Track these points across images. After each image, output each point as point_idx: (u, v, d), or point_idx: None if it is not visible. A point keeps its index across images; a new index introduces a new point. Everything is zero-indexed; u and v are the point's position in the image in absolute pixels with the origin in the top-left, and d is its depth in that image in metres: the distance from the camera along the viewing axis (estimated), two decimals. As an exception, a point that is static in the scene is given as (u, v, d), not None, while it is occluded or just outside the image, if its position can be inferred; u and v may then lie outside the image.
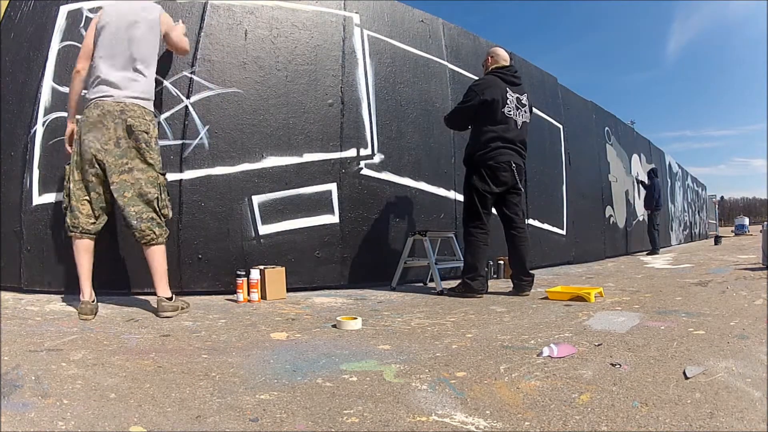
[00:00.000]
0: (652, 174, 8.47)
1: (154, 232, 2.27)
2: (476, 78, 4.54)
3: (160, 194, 2.31)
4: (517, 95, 3.15)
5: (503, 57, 3.29)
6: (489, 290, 3.19)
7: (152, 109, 2.37)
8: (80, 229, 2.21)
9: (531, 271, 3.13)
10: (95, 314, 2.16)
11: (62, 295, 2.65)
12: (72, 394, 1.17)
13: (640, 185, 8.70)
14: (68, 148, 2.38)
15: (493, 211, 3.22)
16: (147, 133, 2.27)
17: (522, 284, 3.09)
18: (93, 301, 2.19)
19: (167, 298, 2.26)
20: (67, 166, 2.28)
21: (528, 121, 3.22)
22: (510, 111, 3.09)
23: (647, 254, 7.74)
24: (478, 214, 3.08)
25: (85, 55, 2.31)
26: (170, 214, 2.38)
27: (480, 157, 3.07)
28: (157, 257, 2.30)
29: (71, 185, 2.23)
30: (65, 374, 1.31)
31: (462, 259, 3.52)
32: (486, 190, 3.07)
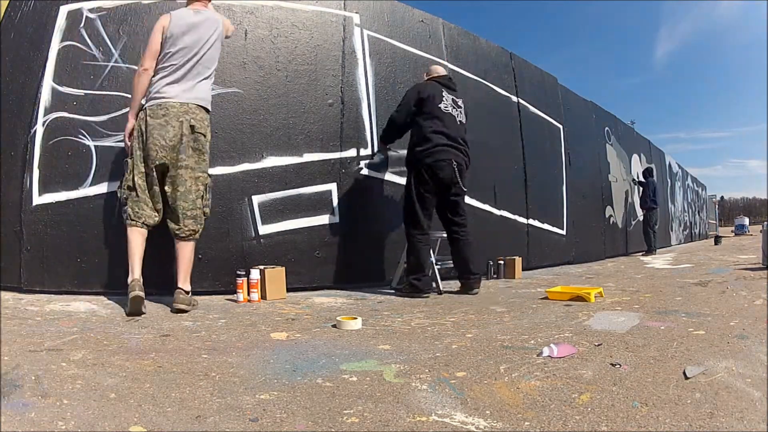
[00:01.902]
0: (647, 173, 8.44)
1: (194, 230, 2.44)
2: (476, 78, 4.57)
3: (205, 193, 2.48)
4: (453, 96, 3.25)
5: (437, 71, 3.40)
6: (445, 290, 3.27)
7: (210, 114, 2.53)
8: (143, 220, 2.36)
9: (475, 271, 3.23)
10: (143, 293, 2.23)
11: (62, 295, 2.65)
12: (72, 394, 1.17)
13: (638, 186, 8.65)
14: (127, 141, 2.48)
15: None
16: (204, 135, 2.46)
17: (470, 282, 3.18)
18: (140, 280, 2.28)
19: (186, 292, 2.37)
20: (129, 159, 2.41)
21: (465, 121, 3.28)
22: (447, 107, 3.16)
23: (643, 255, 7.73)
24: (416, 217, 3.09)
25: (152, 55, 2.40)
26: (209, 214, 2.54)
27: (419, 155, 3.06)
28: (188, 251, 2.46)
29: (136, 178, 2.36)
30: (65, 374, 1.31)
31: None
32: (427, 191, 3.08)
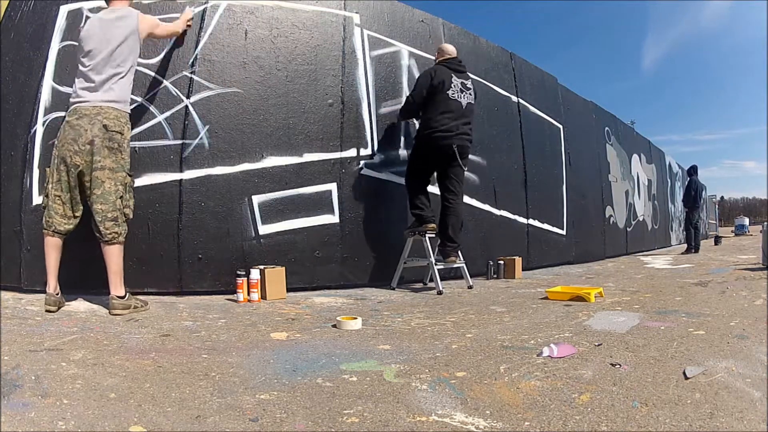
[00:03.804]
0: (691, 171, 8.74)
1: (116, 231, 2.35)
2: (476, 78, 4.57)
3: (125, 193, 2.40)
4: (461, 80, 3.48)
5: (448, 51, 3.61)
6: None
7: (127, 112, 2.45)
8: (53, 228, 2.33)
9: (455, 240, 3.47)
10: (59, 306, 2.30)
11: (65, 295, 2.64)
12: (72, 394, 1.17)
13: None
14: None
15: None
16: (121, 134, 2.37)
17: (447, 249, 3.40)
18: (57, 294, 2.31)
19: (119, 297, 2.34)
20: (47, 169, 2.39)
21: (473, 101, 3.55)
22: (454, 94, 3.41)
23: (683, 253, 8.01)
24: (416, 174, 3.50)
25: None
26: (131, 215, 2.45)
27: (426, 137, 3.39)
28: (114, 256, 2.38)
29: (50, 186, 2.35)
30: (65, 374, 1.31)
31: (462, 259, 3.54)
32: (426, 163, 3.46)
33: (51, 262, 2.33)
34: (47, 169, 2.40)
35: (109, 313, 2.28)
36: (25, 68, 2.94)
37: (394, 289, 3.43)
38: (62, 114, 2.82)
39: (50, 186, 2.34)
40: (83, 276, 2.63)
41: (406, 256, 3.47)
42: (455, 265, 3.53)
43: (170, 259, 2.88)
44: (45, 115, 2.84)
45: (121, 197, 2.37)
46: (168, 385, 1.26)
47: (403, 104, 3.66)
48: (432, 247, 3.42)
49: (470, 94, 3.51)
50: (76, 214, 2.38)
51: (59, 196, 2.33)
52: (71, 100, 2.38)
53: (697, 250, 8.04)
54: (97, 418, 1.04)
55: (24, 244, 2.76)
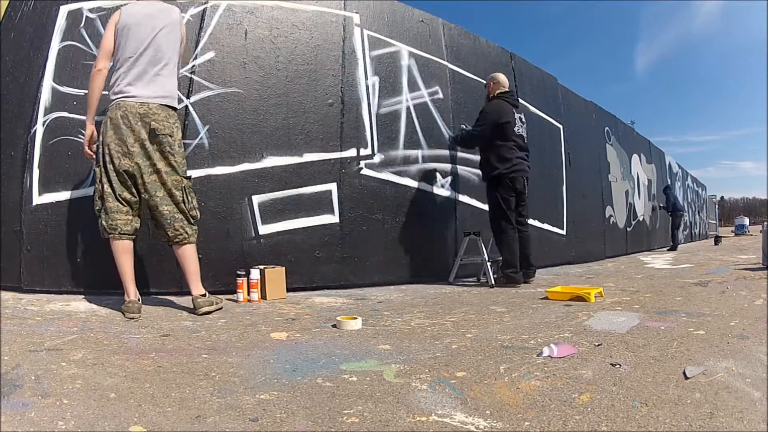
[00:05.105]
0: (666, 189, 10.03)
1: (186, 232, 2.32)
2: (476, 78, 4.57)
3: (185, 197, 2.32)
4: (519, 116, 3.75)
5: (504, 83, 3.83)
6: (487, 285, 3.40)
7: (175, 112, 2.35)
8: (118, 230, 2.23)
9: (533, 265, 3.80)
10: (141, 312, 2.19)
11: (62, 295, 2.65)
12: (72, 394, 1.17)
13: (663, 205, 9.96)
14: (87, 150, 2.35)
15: None
16: (171, 136, 2.28)
17: (528, 272, 3.71)
18: (138, 300, 2.23)
19: (201, 295, 2.32)
20: (97, 169, 2.27)
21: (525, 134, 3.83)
22: (519, 130, 3.69)
23: (668, 250, 9.14)
24: (506, 214, 3.63)
25: (106, 54, 2.28)
26: (198, 215, 2.39)
27: (503, 171, 3.61)
28: (190, 256, 2.35)
29: (103, 187, 2.23)
30: (65, 374, 1.31)
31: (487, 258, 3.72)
32: (510, 195, 3.65)
33: (126, 266, 2.24)
34: (96, 169, 2.26)
35: (196, 312, 2.26)
36: (25, 68, 2.94)
37: (450, 283, 3.80)
38: (63, 114, 2.84)
39: (104, 187, 2.22)
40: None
41: (462, 253, 3.82)
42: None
43: (170, 259, 2.87)
44: (45, 115, 2.84)
45: (182, 200, 2.30)
46: (168, 385, 1.26)
47: (464, 134, 4.01)
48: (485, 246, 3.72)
49: (524, 128, 3.78)
50: (138, 214, 2.33)
51: (118, 198, 2.24)
52: (111, 97, 2.25)
53: (674, 249, 9.19)
54: (97, 418, 1.04)
55: (24, 244, 2.76)
